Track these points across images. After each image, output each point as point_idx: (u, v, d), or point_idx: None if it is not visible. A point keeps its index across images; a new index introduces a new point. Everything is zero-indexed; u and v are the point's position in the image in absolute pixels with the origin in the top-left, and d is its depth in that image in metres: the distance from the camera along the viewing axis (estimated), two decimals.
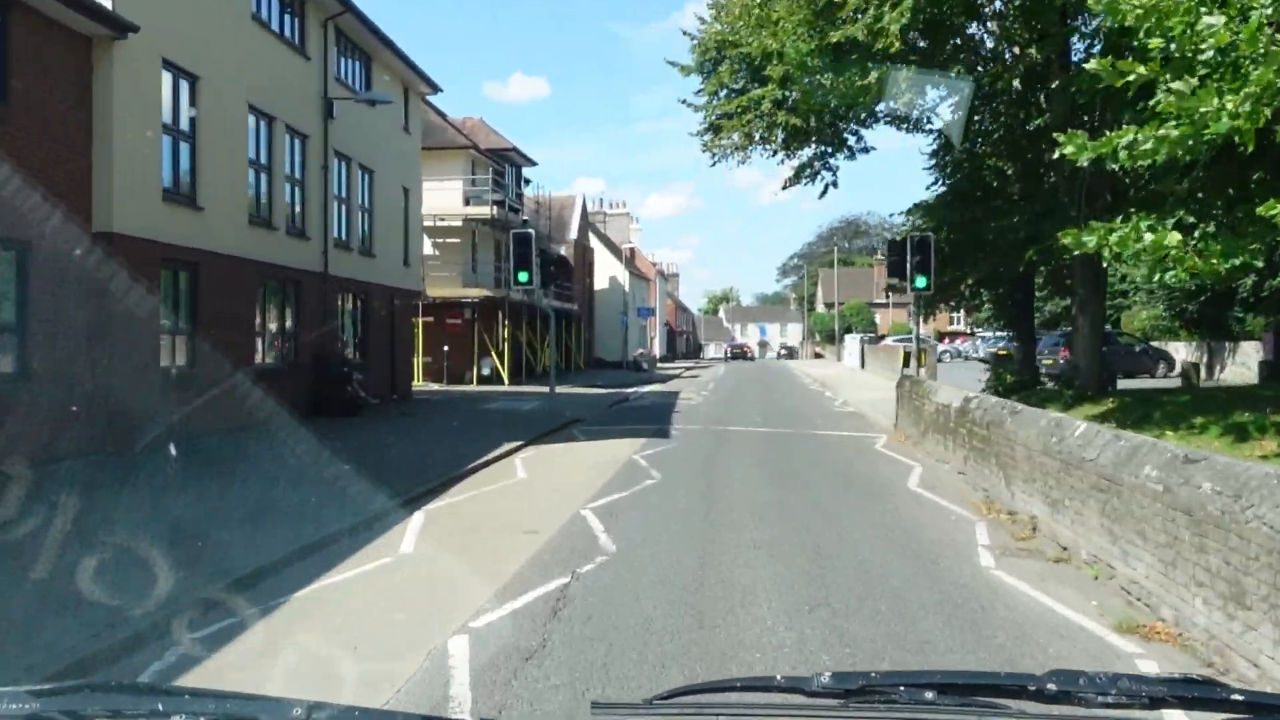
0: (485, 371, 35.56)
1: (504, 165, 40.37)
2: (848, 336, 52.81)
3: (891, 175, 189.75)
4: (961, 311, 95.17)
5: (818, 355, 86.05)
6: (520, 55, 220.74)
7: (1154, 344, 36.81)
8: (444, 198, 35.63)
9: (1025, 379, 22.16)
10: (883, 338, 66.74)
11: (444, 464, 12.94)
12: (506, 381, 35.65)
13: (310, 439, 13.99)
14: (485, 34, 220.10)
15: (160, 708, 1.55)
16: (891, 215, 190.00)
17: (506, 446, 15.51)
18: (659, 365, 63.43)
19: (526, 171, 43.65)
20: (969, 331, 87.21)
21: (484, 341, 36.01)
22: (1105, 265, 16.50)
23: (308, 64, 20.65)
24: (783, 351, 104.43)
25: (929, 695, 1.68)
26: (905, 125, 22.86)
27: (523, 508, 10.62)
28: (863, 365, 49.65)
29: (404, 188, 27.51)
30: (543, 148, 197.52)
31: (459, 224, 35.45)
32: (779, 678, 1.82)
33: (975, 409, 12.52)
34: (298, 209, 20.43)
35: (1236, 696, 1.63)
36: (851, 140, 22.27)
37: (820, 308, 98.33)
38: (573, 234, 50.86)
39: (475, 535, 9.30)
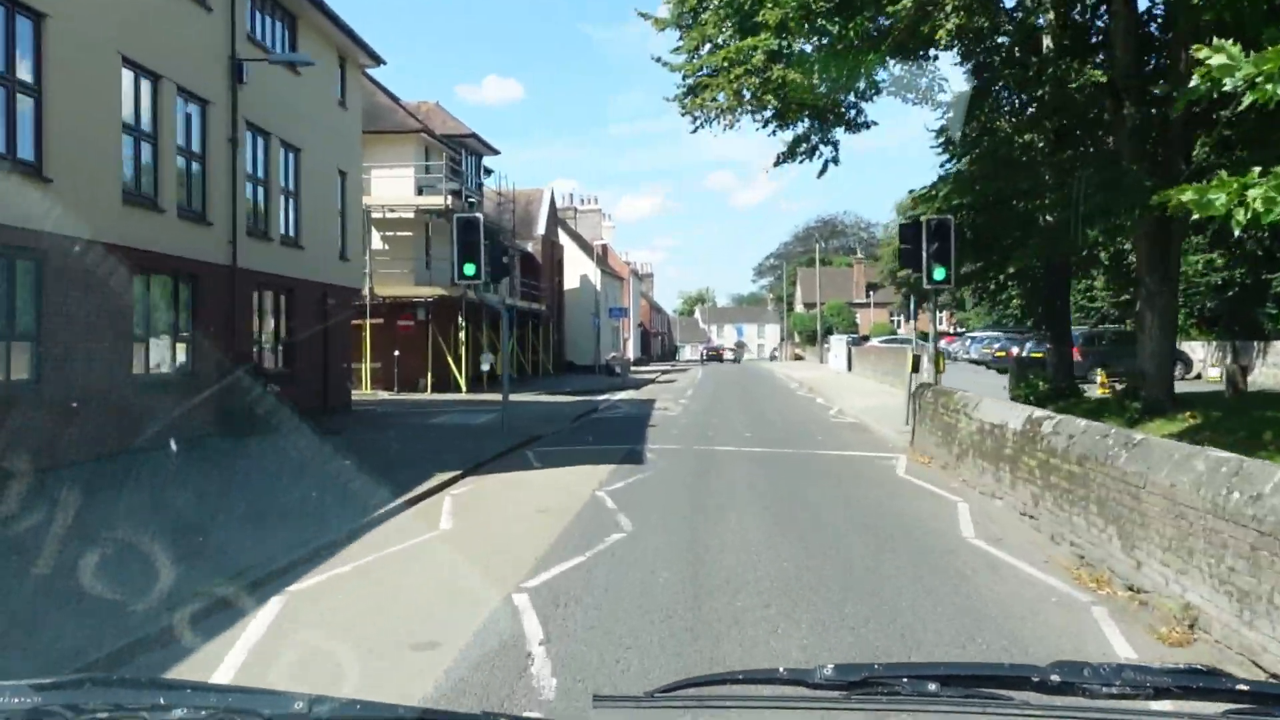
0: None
1: (461, 153, 37.04)
2: (833, 337, 49.77)
3: (869, 177, 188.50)
4: (944, 311, 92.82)
5: (798, 357, 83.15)
6: (493, 57, 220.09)
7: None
8: (394, 187, 32.26)
9: (1061, 386, 19.11)
10: (866, 338, 63.92)
11: (336, 513, 9.59)
12: (464, 388, 32.32)
13: (161, 472, 10.63)
14: (457, 36, 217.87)
15: (161, 701, 1.58)
16: (875, 223, 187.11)
17: (437, 479, 12.22)
18: (633, 369, 60.20)
19: (490, 162, 40.35)
20: (953, 331, 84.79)
21: (439, 345, 32.66)
22: (1182, 242, 13.43)
23: (209, 16, 17.23)
24: (774, 354, 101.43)
25: (932, 687, 1.67)
26: (913, 95, 19.80)
27: (425, 593, 7.30)
28: (849, 368, 46.67)
29: (340, 170, 24.12)
30: (517, 150, 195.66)
31: (411, 215, 32.05)
32: (782, 670, 1.79)
33: (1053, 434, 9.36)
34: (195, 188, 17.02)
35: (1241, 686, 1.60)
36: (851, 113, 19.25)
37: (799, 308, 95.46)
38: (540, 230, 47.56)
39: (321, 664, 5.95)
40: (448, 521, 10.08)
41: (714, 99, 16.14)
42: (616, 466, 13.83)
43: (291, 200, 21.21)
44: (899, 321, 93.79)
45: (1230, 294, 29.88)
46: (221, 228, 17.57)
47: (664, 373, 55.19)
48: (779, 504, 11.01)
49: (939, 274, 16.92)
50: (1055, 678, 1.65)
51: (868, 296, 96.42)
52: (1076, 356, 25.62)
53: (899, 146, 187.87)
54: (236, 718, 1.50)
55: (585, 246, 55.05)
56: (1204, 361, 32.61)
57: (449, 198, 31.59)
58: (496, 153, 39.56)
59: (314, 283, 22.13)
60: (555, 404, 26.91)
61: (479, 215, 17.99)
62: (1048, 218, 16.02)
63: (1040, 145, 18.25)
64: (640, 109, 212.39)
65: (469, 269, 17.61)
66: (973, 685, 1.70)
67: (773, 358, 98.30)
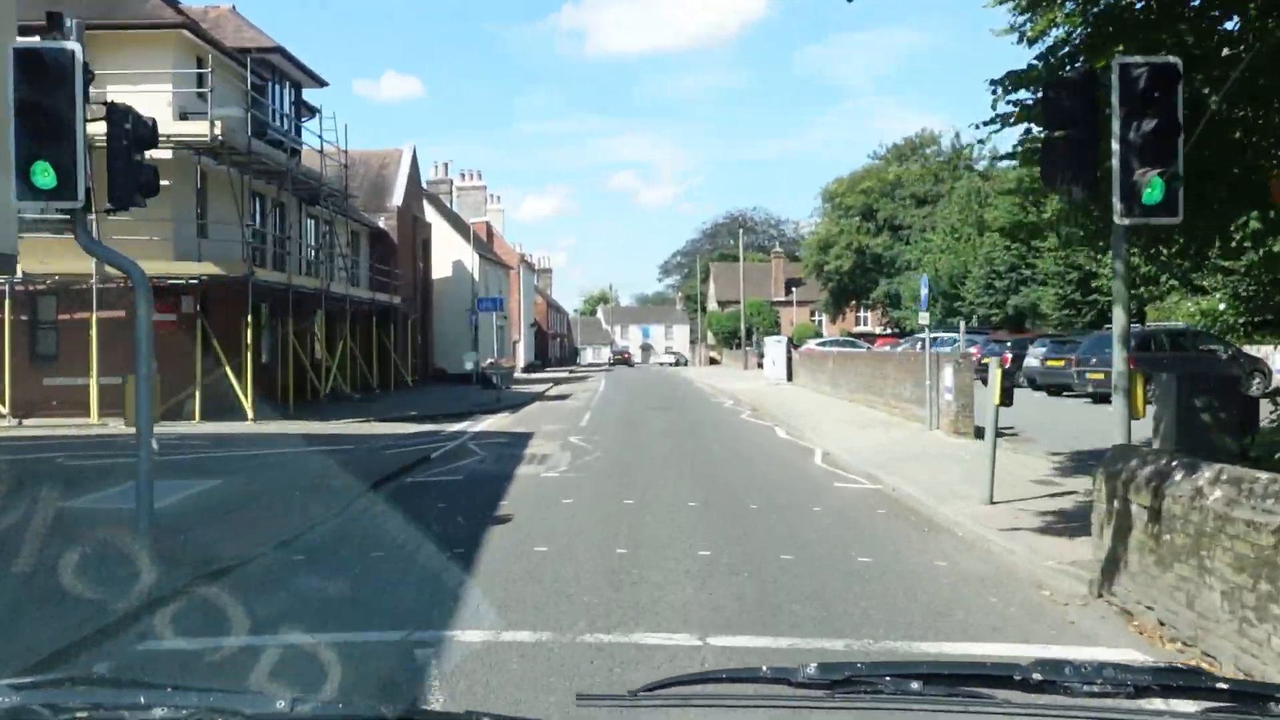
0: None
1: (269, 80, 26.23)
2: (769, 340, 40.08)
3: (775, 179, 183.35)
4: (868, 311, 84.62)
5: (713, 361, 73.84)
6: (392, 53, 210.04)
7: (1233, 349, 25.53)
8: (141, 105, 21.30)
9: None
10: (801, 343, 54.82)
11: None
12: (251, 414, 21.63)
13: None
14: (354, 29, 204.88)
15: (142, 700, 1.59)
16: (786, 219, 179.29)
17: None
18: (523, 376, 49.78)
19: (348, 115, 29.55)
20: (892, 332, 76.60)
21: (218, 349, 21.87)
22: None
23: None
24: (678, 358, 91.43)
25: (914, 685, 1.67)
26: None
27: None
28: (789, 377, 37.22)
29: None
30: (418, 149, 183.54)
31: (168, 155, 21.11)
32: (765, 669, 1.79)
33: None
34: None
35: (1221, 685, 1.63)
36: None
37: (712, 306, 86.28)
38: (396, 199, 36.87)
39: None
40: None
41: None
42: None
43: None
44: (821, 322, 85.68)
45: None
46: None
47: (559, 381, 44.92)
48: None
49: (1155, 191, 7.11)
50: (1037, 676, 1.65)
51: (788, 294, 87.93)
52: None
53: (804, 152, 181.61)
54: (218, 717, 1.51)
55: (461, 227, 44.41)
56: None
57: (215, 127, 20.77)
58: (322, 84, 28.79)
59: None
60: (365, 449, 16.44)
61: (69, 47, 7.52)
62: None
63: None
64: (545, 109, 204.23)
65: (40, 173, 7.24)
66: (955, 684, 1.71)
67: (678, 362, 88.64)
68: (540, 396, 32.44)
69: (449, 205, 50.30)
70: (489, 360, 36.28)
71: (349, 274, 31.60)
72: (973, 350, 40.49)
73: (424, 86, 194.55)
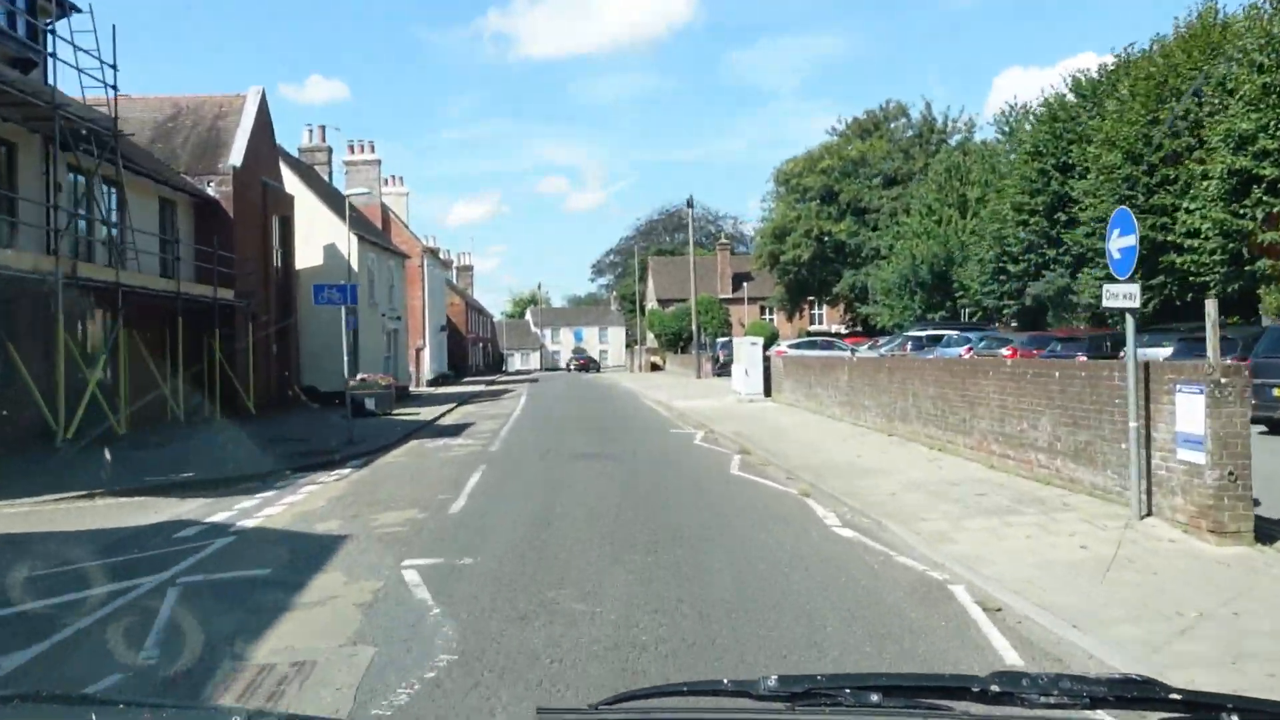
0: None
1: None
2: (740, 342, 30.56)
3: (700, 183, 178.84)
4: (826, 308, 76.17)
5: (655, 367, 64.64)
6: (317, 57, 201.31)
7: None
8: None
9: None
10: (769, 342, 45.79)
11: None
12: None
13: None
14: (278, 33, 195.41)
15: (93, 717, 1.57)
16: (724, 214, 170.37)
17: None
18: (426, 392, 39.95)
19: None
20: (847, 330, 68.09)
21: None
22: None
23: None
24: (592, 364, 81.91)
25: (874, 698, 1.68)
26: None
27: None
28: (768, 391, 28.12)
29: None
30: (345, 153, 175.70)
31: None
32: (725, 681, 1.80)
33: None
34: None
35: (1174, 696, 1.64)
36: None
37: (652, 304, 77.12)
38: (233, 159, 26.95)
39: None
40: None
41: None
42: None
43: None
44: (774, 320, 77.06)
45: None
46: None
47: (468, 399, 35.31)
48: None
49: None
50: (995, 688, 1.66)
51: (736, 290, 79.20)
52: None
53: (729, 152, 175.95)
54: None
55: (336, 203, 34.35)
56: None
57: None
58: None
59: None
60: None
61: None
62: None
63: None
64: (472, 113, 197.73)
65: None
66: (914, 695, 1.72)
67: (588, 367, 79.22)
68: (424, 429, 22.79)
69: (328, 181, 40.29)
70: (360, 377, 26.58)
71: (168, 259, 21.63)
72: (961, 352, 32.10)
73: (350, 91, 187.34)
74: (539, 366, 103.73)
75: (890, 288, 53.75)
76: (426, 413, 27.28)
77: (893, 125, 64.18)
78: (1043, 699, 1.64)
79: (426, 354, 46.43)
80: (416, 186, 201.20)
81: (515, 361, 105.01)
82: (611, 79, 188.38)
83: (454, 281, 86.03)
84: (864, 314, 58.09)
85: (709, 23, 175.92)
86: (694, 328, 47.29)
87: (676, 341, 64.69)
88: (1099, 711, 1.70)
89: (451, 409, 29.66)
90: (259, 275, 28.52)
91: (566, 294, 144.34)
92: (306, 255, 32.71)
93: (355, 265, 33.15)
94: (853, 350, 38.08)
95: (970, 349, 32.24)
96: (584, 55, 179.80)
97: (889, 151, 61.51)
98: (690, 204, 44.54)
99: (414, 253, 46.26)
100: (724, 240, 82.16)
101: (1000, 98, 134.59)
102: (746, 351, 28.06)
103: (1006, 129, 44.81)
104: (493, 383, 54.24)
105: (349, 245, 31.30)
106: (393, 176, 54.38)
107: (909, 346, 39.23)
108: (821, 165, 62.07)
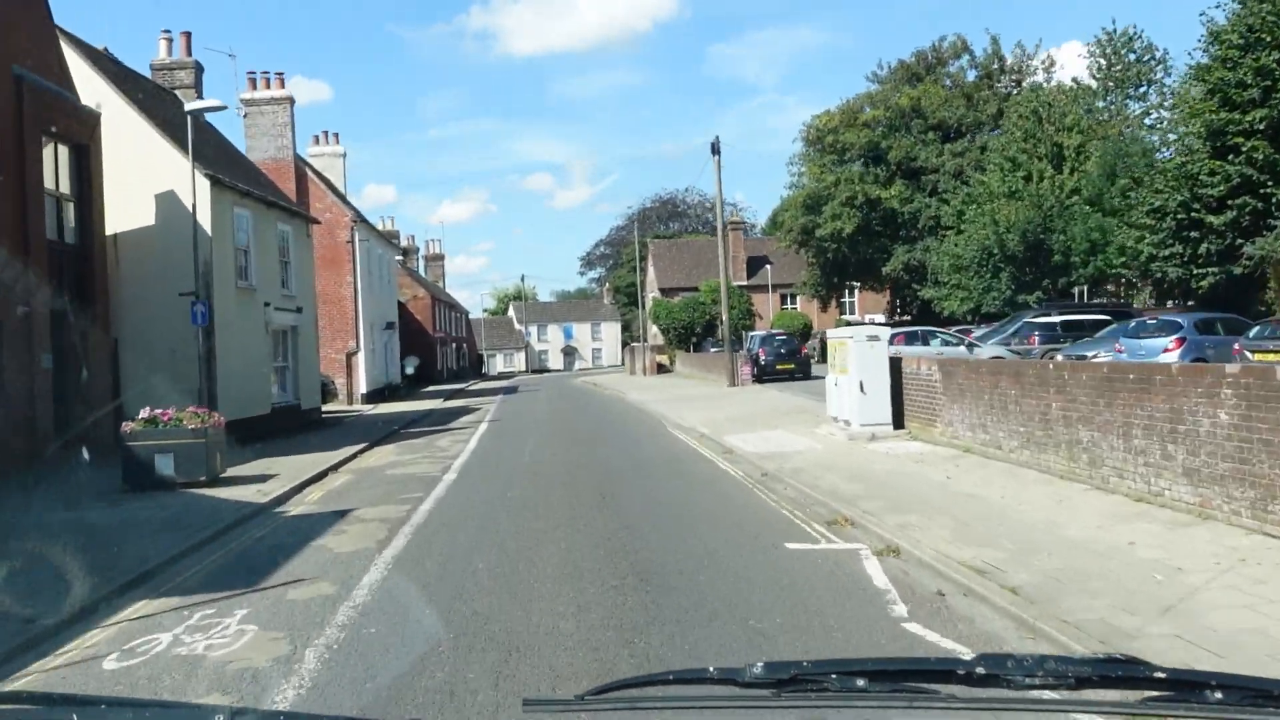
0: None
1: None
2: (851, 339, 17.77)
3: (685, 178, 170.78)
4: (856, 295, 64.09)
5: (662, 368, 52.44)
6: (298, 57, 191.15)
7: None
8: None
9: None
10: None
11: None
12: None
13: None
14: (260, 34, 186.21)
15: (75, 718, 1.55)
16: (724, 201, 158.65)
17: None
18: (353, 413, 27.82)
19: None
20: (888, 321, 56.08)
21: None
22: None
23: None
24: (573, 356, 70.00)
25: (860, 683, 1.68)
26: None
27: None
28: (899, 422, 16.01)
29: None
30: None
31: None
32: (712, 669, 1.78)
33: None
34: None
35: (1159, 674, 1.65)
36: None
37: (654, 295, 64.92)
38: None
39: None
40: None
41: None
42: None
43: None
44: (791, 307, 64.88)
45: None
46: None
47: (387, 438, 23.33)
48: None
49: None
50: (980, 670, 1.65)
51: (751, 276, 67.12)
52: None
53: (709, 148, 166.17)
54: None
55: (177, 138, 21.57)
56: None
57: None
58: None
59: None
60: None
61: None
62: None
63: None
64: (455, 110, 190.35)
65: None
66: (899, 680, 1.71)
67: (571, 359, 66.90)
68: (210, 542, 10.52)
69: (201, 115, 28.03)
70: (150, 414, 14.42)
71: None
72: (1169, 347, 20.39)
73: (332, 91, 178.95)
74: (524, 368, 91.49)
75: (965, 264, 41.86)
76: (286, 473, 15.08)
77: (951, 68, 52.05)
78: (1028, 680, 1.63)
79: (362, 359, 34.24)
80: (402, 187, 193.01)
81: (497, 363, 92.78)
82: (594, 75, 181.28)
83: (422, 273, 73.84)
84: (925, 298, 46.09)
85: (694, 17, 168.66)
86: (724, 317, 34.85)
87: (687, 337, 52.65)
88: (1084, 691, 1.64)
89: (346, 459, 17.51)
90: (14, 233, 16.41)
91: (555, 290, 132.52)
92: (132, 211, 20.53)
93: (210, 226, 20.93)
94: (969, 344, 26.18)
95: (1181, 341, 20.44)
96: (566, 51, 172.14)
97: (947, 98, 49.56)
98: (716, 148, 32.44)
99: (340, 224, 33.97)
100: (736, 219, 69.94)
101: None
102: (859, 354, 15.93)
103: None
104: (457, 394, 42.07)
105: (194, 192, 19.08)
106: (326, 132, 42.29)
107: (1036, 339, 27.34)
108: (863, 118, 50.15)
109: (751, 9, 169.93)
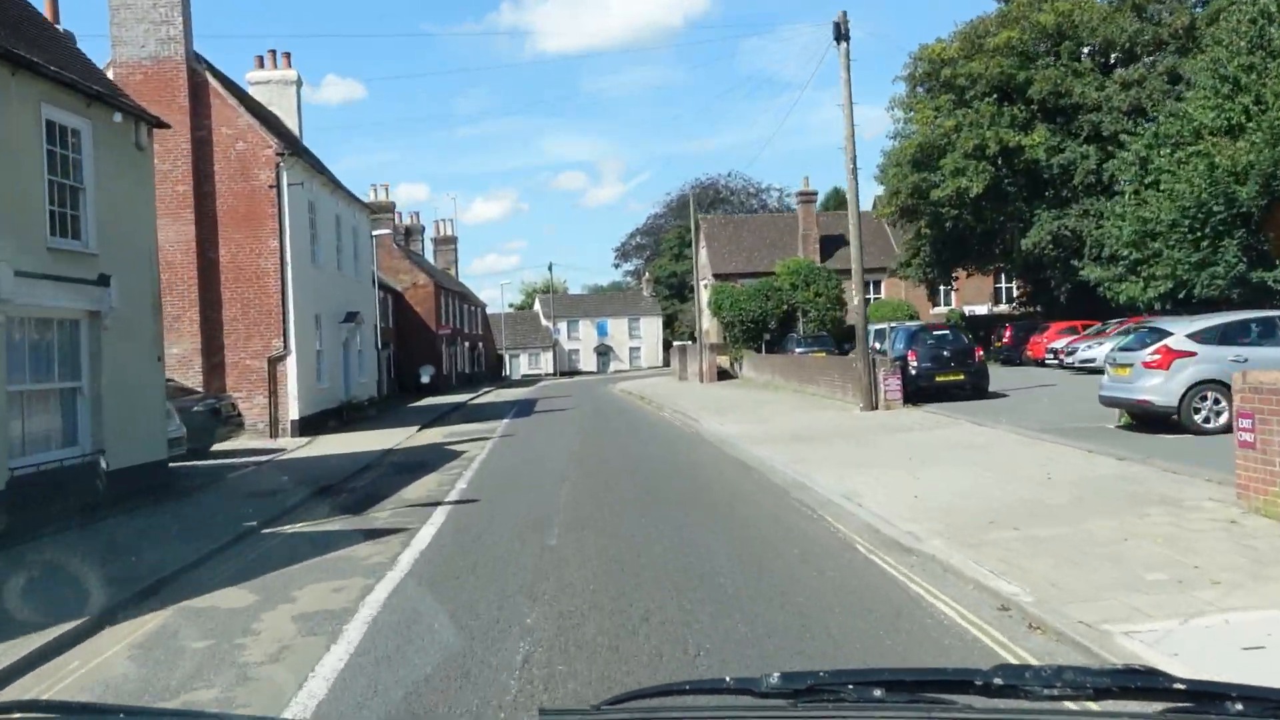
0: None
1: None
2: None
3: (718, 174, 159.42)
4: (977, 277, 49.80)
5: (723, 375, 40.23)
6: (331, 57, 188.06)
7: None
8: None
9: None
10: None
11: None
12: None
13: None
14: (292, 33, 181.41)
15: None
16: (768, 185, 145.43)
17: None
18: (279, 450, 15.93)
19: None
20: (1017, 311, 43.34)
21: None
22: None
23: None
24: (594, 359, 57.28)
25: (877, 693, 1.66)
26: None
27: None
28: None
29: None
30: (365, 153, 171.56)
31: None
32: (728, 679, 1.77)
33: None
34: None
35: (1179, 685, 1.61)
36: None
37: (709, 280, 52.73)
38: None
39: None
40: None
41: None
42: None
43: None
44: (876, 294, 52.42)
45: None
46: None
47: (280, 519, 11.16)
48: None
49: None
50: (998, 681, 1.62)
51: (825, 259, 54.76)
52: None
53: (745, 145, 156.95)
54: None
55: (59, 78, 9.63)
56: None
57: None
58: None
59: None
60: None
61: None
62: None
63: None
64: (487, 108, 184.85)
65: None
66: (917, 690, 1.69)
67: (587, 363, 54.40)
68: None
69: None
70: None
71: None
72: None
73: (365, 89, 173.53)
74: (551, 370, 79.66)
75: (1159, 230, 29.45)
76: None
77: None
78: (1046, 691, 1.60)
79: (293, 368, 22.39)
80: (434, 185, 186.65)
81: (521, 364, 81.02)
82: (626, 72, 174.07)
83: (430, 258, 62.19)
84: (1088, 280, 33.51)
85: (725, 14, 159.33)
86: (856, 300, 21.69)
87: (758, 332, 40.51)
88: (1102, 702, 1.62)
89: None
90: None
91: (587, 284, 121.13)
92: None
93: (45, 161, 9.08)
94: None
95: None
96: (597, 49, 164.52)
97: (1110, 12, 37.07)
98: (844, 32, 20.10)
99: (255, 158, 22.05)
100: (806, 192, 57.58)
101: None
102: None
103: None
104: (451, 412, 30.18)
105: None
106: (274, 51, 30.49)
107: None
108: (991, 43, 37.78)
109: (779, 3, 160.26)
